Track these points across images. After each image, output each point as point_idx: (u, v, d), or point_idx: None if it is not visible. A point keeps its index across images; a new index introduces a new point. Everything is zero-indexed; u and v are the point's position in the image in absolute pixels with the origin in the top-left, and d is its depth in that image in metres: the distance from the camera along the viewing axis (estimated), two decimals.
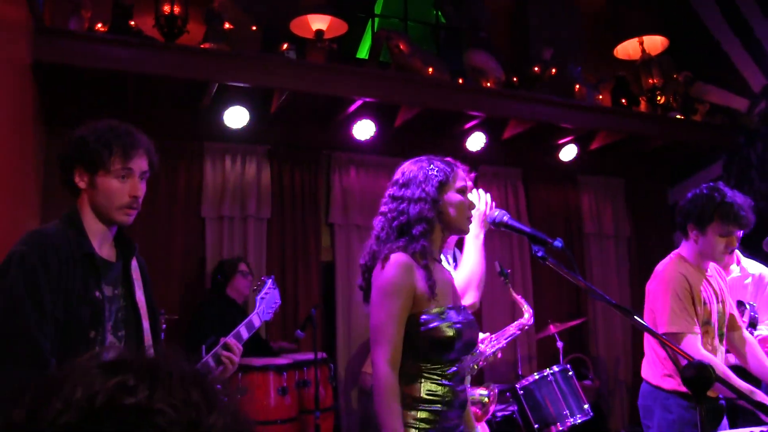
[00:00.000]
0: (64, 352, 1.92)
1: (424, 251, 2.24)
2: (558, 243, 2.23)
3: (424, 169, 2.30)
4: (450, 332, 2.19)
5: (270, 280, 2.76)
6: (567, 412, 4.36)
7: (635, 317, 2.06)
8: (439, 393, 2.21)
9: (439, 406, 2.21)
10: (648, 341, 3.23)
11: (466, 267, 2.72)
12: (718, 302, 3.11)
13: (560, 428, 4.33)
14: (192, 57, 4.52)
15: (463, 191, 2.32)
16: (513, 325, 3.86)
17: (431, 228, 2.27)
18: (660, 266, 3.19)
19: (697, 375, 1.85)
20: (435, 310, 2.21)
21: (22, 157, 3.88)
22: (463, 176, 2.34)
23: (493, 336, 3.55)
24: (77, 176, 2.08)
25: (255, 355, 4.56)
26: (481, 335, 3.30)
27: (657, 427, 3.11)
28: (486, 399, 3.66)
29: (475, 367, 3.35)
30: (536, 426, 4.32)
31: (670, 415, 3.06)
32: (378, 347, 2.18)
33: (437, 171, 2.29)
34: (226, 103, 5.05)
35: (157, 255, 5.00)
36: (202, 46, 4.67)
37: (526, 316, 3.87)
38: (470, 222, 2.37)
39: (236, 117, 5.11)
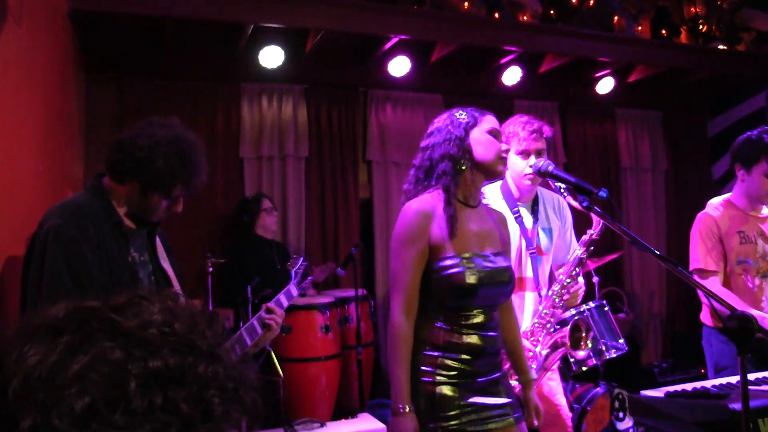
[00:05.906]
0: None
1: (448, 191, 2.23)
2: (603, 193, 2.26)
3: (452, 115, 2.33)
4: (471, 279, 2.16)
5: (301, 258, 2.88)
6: (603, 347, 4.43)
7: (679, 268, 2.09)
8: (463, 342, 2.19)
9: (462, 355, 2.19)
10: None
11: None
12: (766, 242, 3.20)
13: (596, 363, 4.42)
14: None
15: (493, 133, 2.30)
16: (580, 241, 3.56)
17: (456, 165, 2.26)
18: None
19: (740, 326, 1.90)
20: (455, 257, 2.19)
21: (65, 103, 3.95)
22: (494, 121, 2.33)
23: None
24: (129, 184, 2.07)
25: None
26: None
27: (709, 362, 3.28)
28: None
29: (557, 300, 3.06)
30: (572, 360, 4.41)
31: (712, 348, 3.23)
32: (394, 296, 2.22)
33: (466, 115, 2.31)
34: (262, 43, 5.03)
35: (199, 198, 5.07)
36: None
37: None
38: (502, 164, 2.31)
39: (272, 57, 5.10)
